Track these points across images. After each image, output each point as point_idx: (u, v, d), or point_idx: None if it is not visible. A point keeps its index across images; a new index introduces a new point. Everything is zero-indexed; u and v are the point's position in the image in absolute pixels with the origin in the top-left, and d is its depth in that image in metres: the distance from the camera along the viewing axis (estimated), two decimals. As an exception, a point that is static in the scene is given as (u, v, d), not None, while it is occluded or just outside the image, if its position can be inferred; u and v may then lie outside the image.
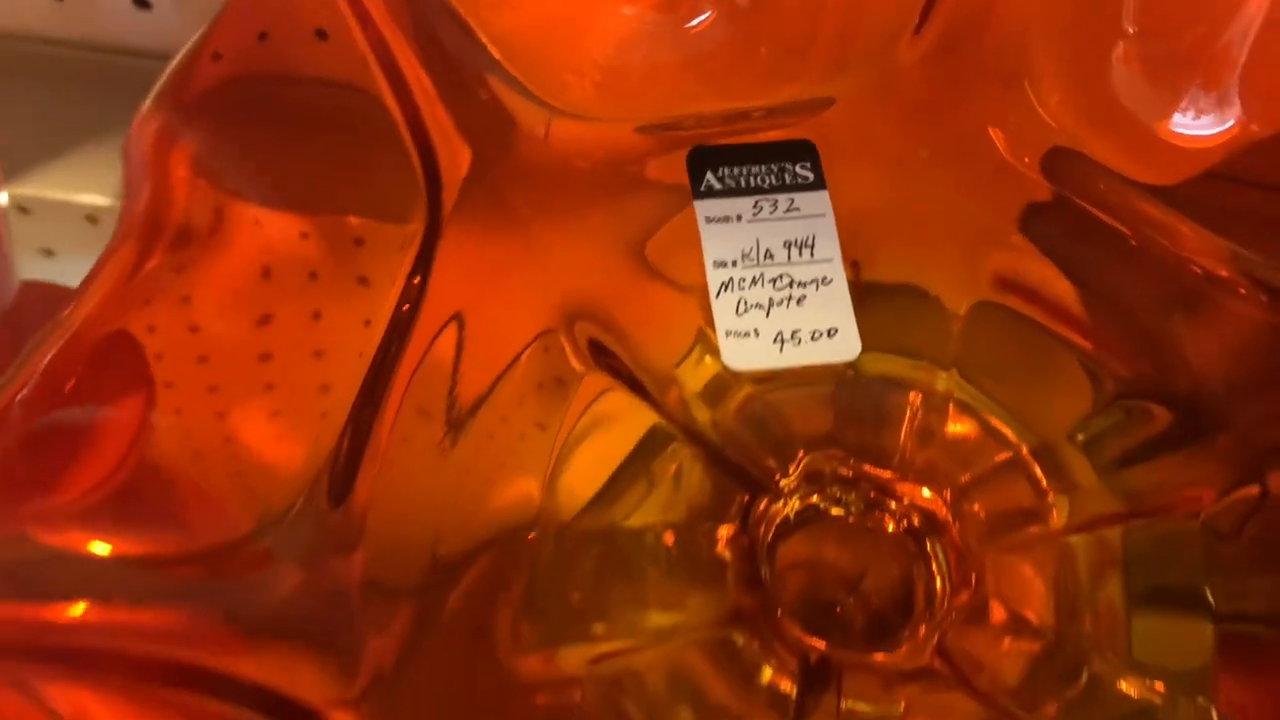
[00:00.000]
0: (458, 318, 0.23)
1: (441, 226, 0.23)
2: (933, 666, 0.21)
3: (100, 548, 0.16)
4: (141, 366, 0.18)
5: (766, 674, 0.21)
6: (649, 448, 0.23)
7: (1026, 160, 0.25)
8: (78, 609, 0.15)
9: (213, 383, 0.20)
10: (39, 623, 0.14)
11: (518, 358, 0.23)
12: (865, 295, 0.24)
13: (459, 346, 0.22)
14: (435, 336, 0.22)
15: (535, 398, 0.23)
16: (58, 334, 0.17)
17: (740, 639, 0.21)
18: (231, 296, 0.21)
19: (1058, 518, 0.22)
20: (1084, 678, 0.20)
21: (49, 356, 0.16)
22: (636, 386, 0.23)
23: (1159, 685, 0.20)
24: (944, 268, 0.25)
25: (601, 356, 0.23)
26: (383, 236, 0.23)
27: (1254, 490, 0.22)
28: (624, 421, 0.23)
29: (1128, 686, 0.20)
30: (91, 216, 0.38)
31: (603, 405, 0.23)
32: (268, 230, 0.22)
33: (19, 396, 0.16)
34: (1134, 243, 0.24)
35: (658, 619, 0.21)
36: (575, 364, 0.23)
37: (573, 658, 0.19)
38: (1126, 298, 0.24)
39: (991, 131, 0.25)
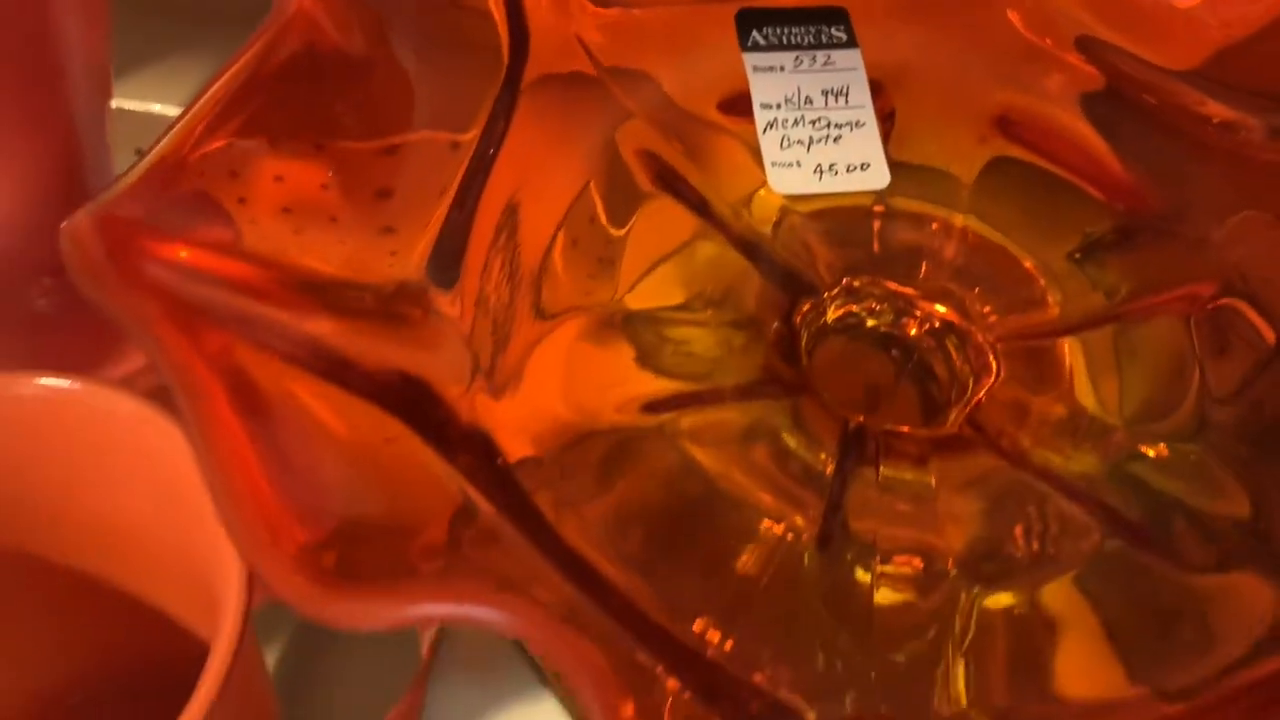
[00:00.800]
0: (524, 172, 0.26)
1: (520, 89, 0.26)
2: (962, 434, 0.23)
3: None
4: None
5: (806, 447, 0.23)
6: (704, 264, 0.25)
7: (1049, 41, 0.28)
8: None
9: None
10: (189, 263, 0.17)
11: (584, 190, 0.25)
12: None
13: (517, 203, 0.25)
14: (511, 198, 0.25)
15: (601, 227, 0.26)
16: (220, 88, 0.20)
17: (780, 414, 0.23)
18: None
19: (1058, 317, 0.25)
20: (1093, 432, 0.23)
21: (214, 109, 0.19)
22: (701, 206, 0.25)
23: (1163, 447, 0.23)
24: (957, 130, 0.28)
25: (669, 182, 0.26)
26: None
27: (1236, 303, 0.25)
28: (684, 243, 0.26)
29: (1138, 444, 0.23)
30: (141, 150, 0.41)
31: (663, 229, 0.26)
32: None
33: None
34: (1150, 102, 0.27)
35: (703, 366, 0.23)
36: (642, 188, 0.25)
37: (625, 402, 0.22)
38: (1137, 146, 0.27)
39: (1010, 14, 0.29)
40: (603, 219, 0.25)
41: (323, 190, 0.24)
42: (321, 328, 0.18)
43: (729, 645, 0.19)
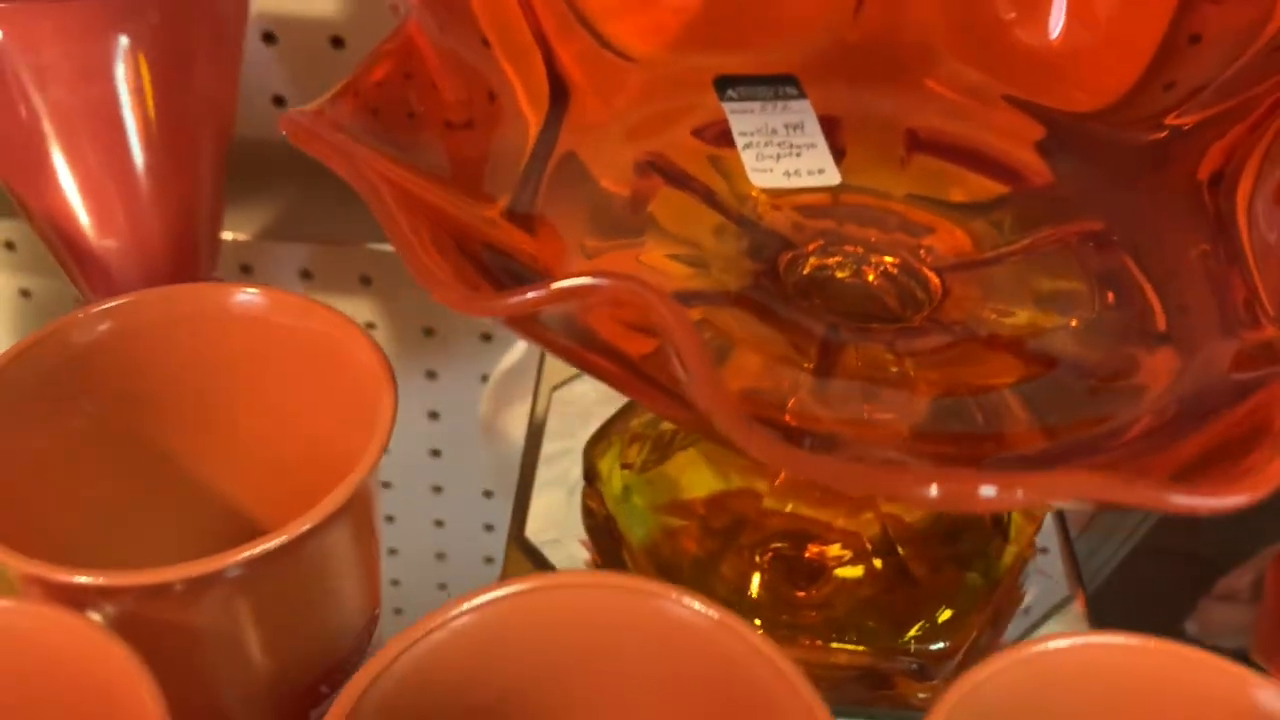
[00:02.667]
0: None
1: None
2: (924, 327, 0.31)
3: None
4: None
5: (795, 340, 0.30)
6: (707, 233, 0.33)
7: (977, 102, 0.38)
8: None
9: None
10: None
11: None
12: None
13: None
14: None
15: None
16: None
17: (767, 312, 0.30)
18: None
19: (979, 252, 0.33)
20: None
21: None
22: (708, 194, 0.34)
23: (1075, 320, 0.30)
24: (892, 164, 0.37)
25: (677, 179, 0.34)
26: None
27: (1137, 275, 0.33)
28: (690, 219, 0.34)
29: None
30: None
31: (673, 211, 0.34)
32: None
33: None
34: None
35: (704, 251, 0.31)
36: (659, 187, 0.34)
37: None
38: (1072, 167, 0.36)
39: (928, 83, 0.38)
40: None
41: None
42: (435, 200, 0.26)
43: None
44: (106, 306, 0.26)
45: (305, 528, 0.23)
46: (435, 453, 0.60)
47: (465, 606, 0.21)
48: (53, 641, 0.20)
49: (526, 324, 0.24)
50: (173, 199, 0.36)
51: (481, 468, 0.61)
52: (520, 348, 0.54)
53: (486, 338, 0.56)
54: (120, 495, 0.27)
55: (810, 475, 0.18)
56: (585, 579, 0.22)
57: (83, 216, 0.34)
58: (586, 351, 0.25)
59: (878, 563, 0.35)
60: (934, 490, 0.17)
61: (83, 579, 0.21)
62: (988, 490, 0.16)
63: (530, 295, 0.21)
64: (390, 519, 0.64)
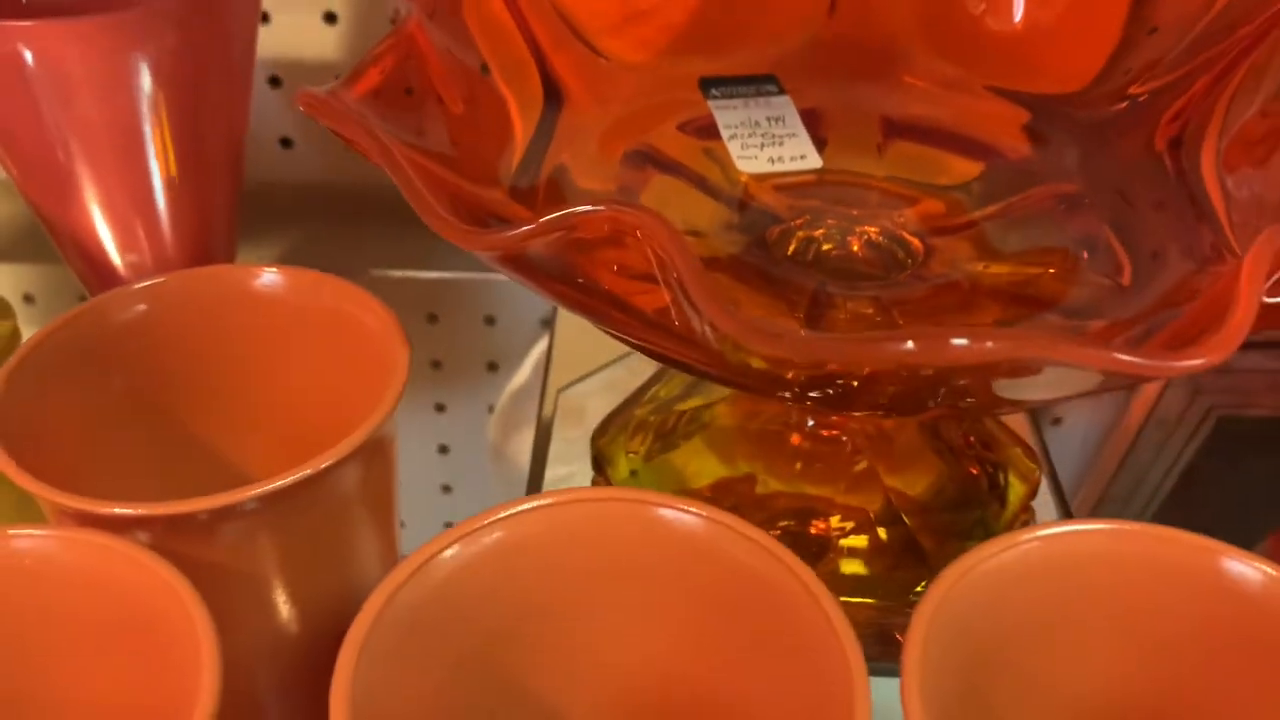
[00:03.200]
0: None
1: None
2: (909, 281, 0.32)
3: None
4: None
5: (785, 303, 0.32)
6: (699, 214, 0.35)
7: (965, 96, 0.40)
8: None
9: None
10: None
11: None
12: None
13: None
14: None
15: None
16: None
17: (759, 273, 0.32)
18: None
19: (956, 216, 0.35)
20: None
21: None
22: (700, 181, 0.36)
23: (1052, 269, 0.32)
24: (871, 149, 0.39)
25: (664, 165, 0.36)
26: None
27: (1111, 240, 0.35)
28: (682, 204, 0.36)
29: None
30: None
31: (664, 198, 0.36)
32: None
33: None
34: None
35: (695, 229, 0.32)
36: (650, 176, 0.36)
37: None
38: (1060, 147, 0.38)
39: (906, 79, 0.40)
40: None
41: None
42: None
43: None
44: (139, 286, 0.28)
45: (325, 464, 0.24)
46: (446, 488, 0.62)
47: (487, 520, 0.23)
48: (94, 566, 0.22)
49: (529, 271, 0.25)
50: (189, 215, 0.38)
51: (494, 502, 0.61)
52: (525, 372, 0.56)
53: (493, 367, 0.57)
54: (146, 465, 0.29)
55: (808, 355, 0.19)
56: (604, 494, 0.23)
57: (103, 232, 0.36)
58: (593, 300, 0.26)
59: (882, 533, 0.36)
60: (910, 345, 0.18)
61: (119, 510, 0.22)
62: (959, 340, 0.18)
63: (524, 228, 0.23)
64: (405, 559, 0.64)
